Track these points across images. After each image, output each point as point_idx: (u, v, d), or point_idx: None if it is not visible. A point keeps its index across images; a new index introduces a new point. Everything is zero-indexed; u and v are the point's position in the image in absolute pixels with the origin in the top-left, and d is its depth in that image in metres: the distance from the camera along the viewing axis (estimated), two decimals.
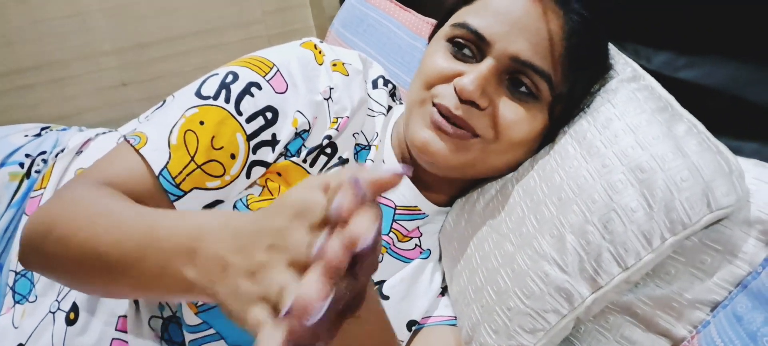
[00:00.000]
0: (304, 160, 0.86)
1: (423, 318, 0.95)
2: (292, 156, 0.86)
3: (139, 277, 0.62)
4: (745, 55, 0.87)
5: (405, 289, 0.95)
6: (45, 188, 0.97)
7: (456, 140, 0.84)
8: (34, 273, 0.88)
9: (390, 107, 1.00)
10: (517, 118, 0.84)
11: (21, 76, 2.03)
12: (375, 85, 0.99)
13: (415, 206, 0.95)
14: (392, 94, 1.02)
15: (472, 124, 0.83)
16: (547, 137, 0.89)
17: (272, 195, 0.84)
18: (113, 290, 0.71)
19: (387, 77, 1.01)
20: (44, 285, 0.87)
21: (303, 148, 0.86)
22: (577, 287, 0.77)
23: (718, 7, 0.88)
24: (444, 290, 0.99)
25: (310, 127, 0.86)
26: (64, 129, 1.10)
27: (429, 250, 0.98)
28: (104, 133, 1.08)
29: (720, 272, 0.75)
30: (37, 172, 1.00)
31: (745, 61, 0.87)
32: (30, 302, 0.87)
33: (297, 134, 0.86)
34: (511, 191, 0.88)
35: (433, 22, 1.34)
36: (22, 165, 1.01)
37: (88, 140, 1.04)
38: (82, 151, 1.01)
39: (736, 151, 0.79)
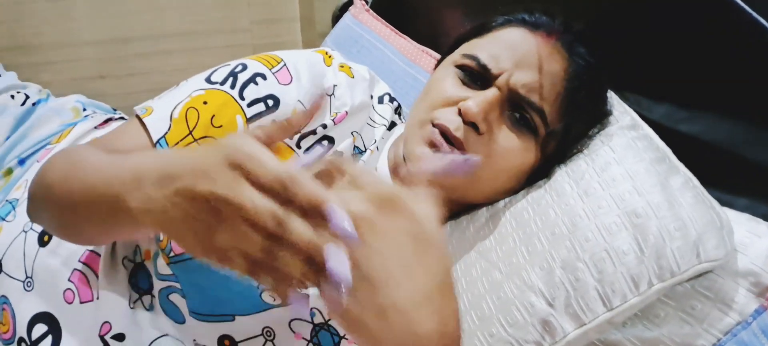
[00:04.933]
0: (298, 145, 0.89)
1: None
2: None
3: (97, 215, 0.66)
4: (744, 114, 0.91)
5: None
6: (59, 143, 1.07)
7: None
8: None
9: (393, 123, 1.01)
10: (511, 146, 0.87)
11: None
12: (381, 100, 1.01)
13: None
14: (397, 112, 1.04)
15: (468, 149, 0.85)
16: (540, 172, 0.92)
17: None
18: (86, 234, 0.76)
19: (393, 95, 1.04)
20: (24, 209, 0.90)
21: (297, 133, 0.89)
22: (561, 322, 0.78)
23: (719, 65, 0.92)
24: None
25: None
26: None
27: None
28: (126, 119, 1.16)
29: (709, 318, 0.77)
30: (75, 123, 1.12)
31: (743, 120, 0.90)
32: (7, 222, 0.95)
33: None
34: (504, 221, 0.89)
35: (428, 50, 1.37)
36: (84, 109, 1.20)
37: (110, 120, 1.15)
38: (101, 128, 1.12)
39: (728, 205, 0.82)
